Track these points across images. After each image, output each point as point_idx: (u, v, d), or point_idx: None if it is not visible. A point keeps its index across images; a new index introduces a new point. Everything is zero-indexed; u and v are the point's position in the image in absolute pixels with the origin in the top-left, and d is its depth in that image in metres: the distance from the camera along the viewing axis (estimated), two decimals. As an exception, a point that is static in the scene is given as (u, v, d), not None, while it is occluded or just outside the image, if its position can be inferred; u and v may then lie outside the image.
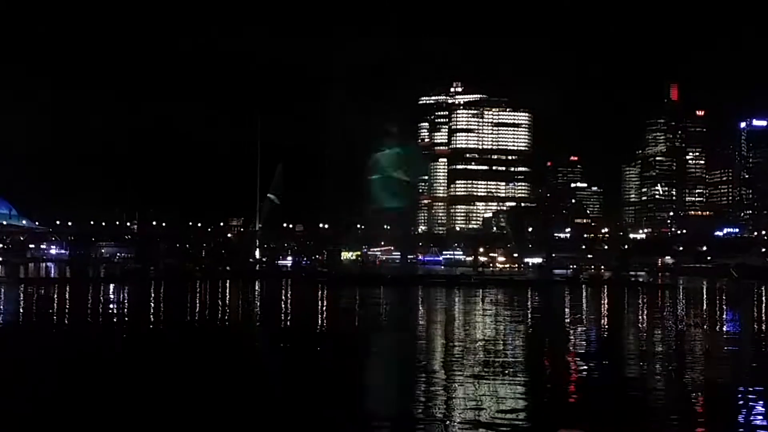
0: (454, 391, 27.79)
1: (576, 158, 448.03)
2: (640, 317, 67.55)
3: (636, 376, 32.87)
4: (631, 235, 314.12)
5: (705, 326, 58.30)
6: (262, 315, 65.34)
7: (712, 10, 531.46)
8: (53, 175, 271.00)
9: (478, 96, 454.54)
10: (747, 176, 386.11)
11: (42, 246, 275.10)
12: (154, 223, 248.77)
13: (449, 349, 40.22)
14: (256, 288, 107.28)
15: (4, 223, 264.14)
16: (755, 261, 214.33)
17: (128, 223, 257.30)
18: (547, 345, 43.16)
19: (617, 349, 42.21)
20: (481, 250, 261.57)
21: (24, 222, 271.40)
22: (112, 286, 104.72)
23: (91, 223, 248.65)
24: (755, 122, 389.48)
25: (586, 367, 34.83)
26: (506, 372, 31.27)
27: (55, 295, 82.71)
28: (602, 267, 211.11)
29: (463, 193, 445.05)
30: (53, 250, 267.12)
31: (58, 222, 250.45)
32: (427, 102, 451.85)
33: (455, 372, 31.72)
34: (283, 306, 76.42)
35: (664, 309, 77.20)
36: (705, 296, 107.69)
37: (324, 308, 74.72)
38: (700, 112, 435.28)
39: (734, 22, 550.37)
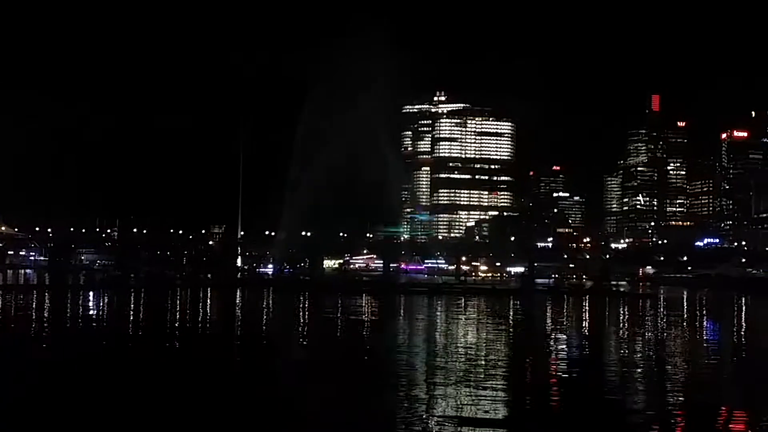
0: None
1: (558, 168, 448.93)
2: (620, 329, 67.49)
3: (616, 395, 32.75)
4: (613, 245, 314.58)
5: (685, 338, 58.35)
6: (238, 330, 64.66)
7: (694, 21, 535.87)
8: (32, 181, 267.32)
9: (462, 105, 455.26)
10: (727, 187, 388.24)
11: (21, 253, 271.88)
12: (135, 230, 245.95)
13: (430, 372, 39.92)
14: (237, 297, 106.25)
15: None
16: (735, 272, 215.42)
17: (108, 230, 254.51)
18: (530, 370, 41.70)
19: (598, 371, 42.00)
20: (464, 258, 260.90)
21: (3, 228, 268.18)
22: (91, 293, 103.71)
23: (71, 229, 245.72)
24: (736, 133, 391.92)
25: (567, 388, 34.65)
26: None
27: (33, 303, 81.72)
28: (584, 276, 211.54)
29: (446, 202, 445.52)
30: (32, 257, 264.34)
31: (37, 228, 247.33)
32: (411, 111, 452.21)
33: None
34: (263, 318, 75.66)
35: (645, 320, 77.27)
36: (686, 306, 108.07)
37: (305, 321, 74.10)
38: (681, 123, 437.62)
39: (716, 34, 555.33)
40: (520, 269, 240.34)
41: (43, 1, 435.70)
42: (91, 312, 75.25)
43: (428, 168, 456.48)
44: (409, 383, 33.06)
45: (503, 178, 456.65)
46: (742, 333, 66.23)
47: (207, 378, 33.98)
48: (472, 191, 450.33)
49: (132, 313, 74.69)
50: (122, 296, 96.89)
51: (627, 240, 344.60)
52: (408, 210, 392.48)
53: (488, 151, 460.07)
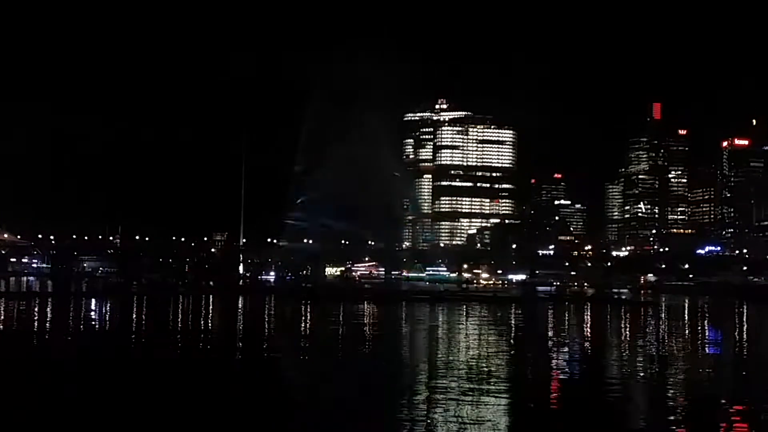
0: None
1: (560, 176, 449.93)
2: (622, 338, 67.70)
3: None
4: (614, 253, 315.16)
5: (687, 348, 58.55)
6: (238, 342, 64.87)
7: (695, 29, 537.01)
8: (35, 189, 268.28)
9: (463, 113, 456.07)
10: (728, 195, 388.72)
11: (24, 260, 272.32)
12: (137, 237, 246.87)
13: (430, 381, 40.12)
14: (239, 304, 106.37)
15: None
16: (736, 279, 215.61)
17: (111, 237, 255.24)
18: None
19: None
20: (466, 266, 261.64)
21: (5, 236, 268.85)
22: (93, 301, 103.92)
23: (74, 237, 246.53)
24: (737, 141, 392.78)
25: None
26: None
27: (36, 310, 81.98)
28: (585, 284, 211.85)
29: (447, 210, 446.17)
30: (35, 264, 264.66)
31: (40, 236, 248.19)
32: (412, 119, 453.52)
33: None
34: (264, 327, 75.82)
35: (646, 329, 77.49)
36: (687, 314, 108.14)
37: (307, 332, 74.27)
38: (682, 131, 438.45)
39: (717, 42, 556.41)
40: (522, 277, 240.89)
41: (45, 8, 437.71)
42: (92, 319, 75.54)
43: (430, 175, 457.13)
44: (406, 390, 33.30)
45: (504, 185, 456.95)
46: (744, 342, 66.42)
47: (205, 386, 34.25)
48: (473, 199, 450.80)
49: (134, 320, 74.98)
50: (124, 303, 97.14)
51: (628, 248, 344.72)
52: (410, 217, 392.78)
53: (490, 158, 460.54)
